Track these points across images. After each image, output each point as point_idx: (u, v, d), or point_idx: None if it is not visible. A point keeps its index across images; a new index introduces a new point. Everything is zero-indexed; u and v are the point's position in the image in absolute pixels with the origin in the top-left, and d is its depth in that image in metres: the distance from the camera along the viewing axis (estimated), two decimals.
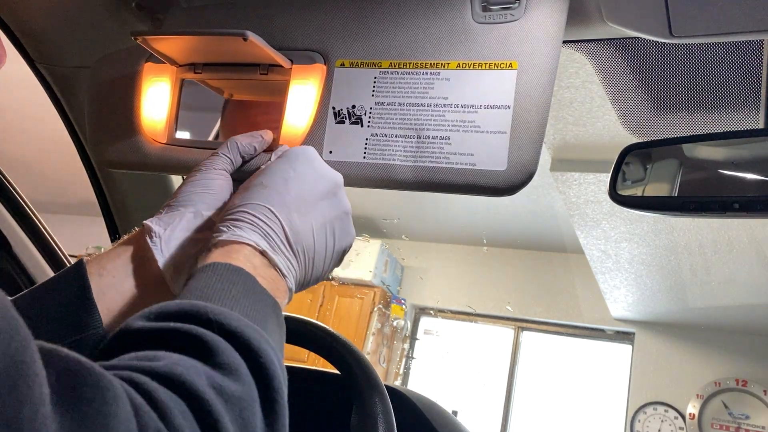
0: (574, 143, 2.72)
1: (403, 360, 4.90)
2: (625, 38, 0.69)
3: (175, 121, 0.74)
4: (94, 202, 1.10)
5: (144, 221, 0.57)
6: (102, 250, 0.59)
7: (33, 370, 0.26)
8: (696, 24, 0.61)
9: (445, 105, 0.64)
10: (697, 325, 4.25)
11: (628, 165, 0.77)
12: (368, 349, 4.59)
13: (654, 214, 0.78)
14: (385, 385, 0.76)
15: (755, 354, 4.13)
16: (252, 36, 0.63)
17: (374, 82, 0.67)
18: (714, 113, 1.02)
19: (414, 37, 0.67)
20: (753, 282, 3.32)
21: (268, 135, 0.66)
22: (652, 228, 3.05)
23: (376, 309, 4.68)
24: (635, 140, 0.80)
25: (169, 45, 0.70)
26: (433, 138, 0.64)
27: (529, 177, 0.60)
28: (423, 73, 0.66)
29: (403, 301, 4.86)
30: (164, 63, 0.74)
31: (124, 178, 1.06)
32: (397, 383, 4.09)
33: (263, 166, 0.58)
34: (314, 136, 0.67)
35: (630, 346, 4.54)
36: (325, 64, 0.70)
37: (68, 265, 0.55)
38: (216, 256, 0.49)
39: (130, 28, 0.79)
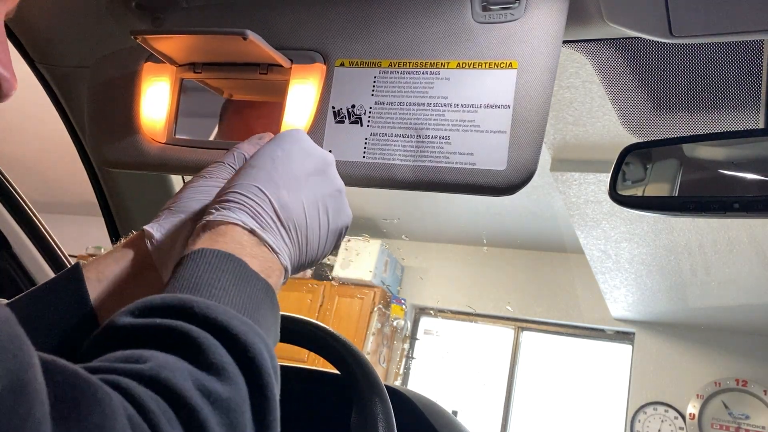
0: (574, 143, 2.72)
1: (403, 360, 4.90)
2: (625, 38, 0.69)
3: (175, 121, 0.74)
4: (94, 202, 1.10)
5: (144, 227, 0.57)
6: (102, 250, 0.59)
7: (35, 388, 0.26)
8: (696, 24, 0.61)
9: (444, 104, 0.64)
10: (697, 325, 4.25)
11: (628, 165, 0.77)
12: (368, 349, 4.59)
13: (654, 214, 0.78)
14: (385, 385, 0.76)
15: (755, 354, 4.13)
16: (252, 35, 0.63)
17: (374, 82, 0.67)
18: (714, 113, 1.02)
19: (414, 37, 0.67)
20: (753, 282, 3.32)
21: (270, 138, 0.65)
22: (652, 228, 3.05)
23: (376, 309, 4.68)
24: (635, 140, 0.80)
25: (168, 44, 0.70)
26: (432, 137, 0.64)
27: (528, 176, 0.60)
28: (423, 73, 0.66)
29: (403, 301, 4.86)
30: (164, 63, 0.74)
31: (124, 178, 1.06)
32: (397, 383, 4.09)
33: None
34: (314, 136, 0.67)
35: (630, 346, 4.54)
36: (324, 63, 0.70)
37: (68, 266, 0.55)
38: (204, 241, 0.47)
39: (130, 28, 0.79)
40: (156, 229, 0.56)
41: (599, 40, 0.74)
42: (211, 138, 0.81)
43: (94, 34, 0.89)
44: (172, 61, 0.73)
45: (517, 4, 0.64)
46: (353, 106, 0.67)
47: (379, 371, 4.71)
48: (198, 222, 0.57)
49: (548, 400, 4.60)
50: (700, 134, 0.91)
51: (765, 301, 3.51)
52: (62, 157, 4.05)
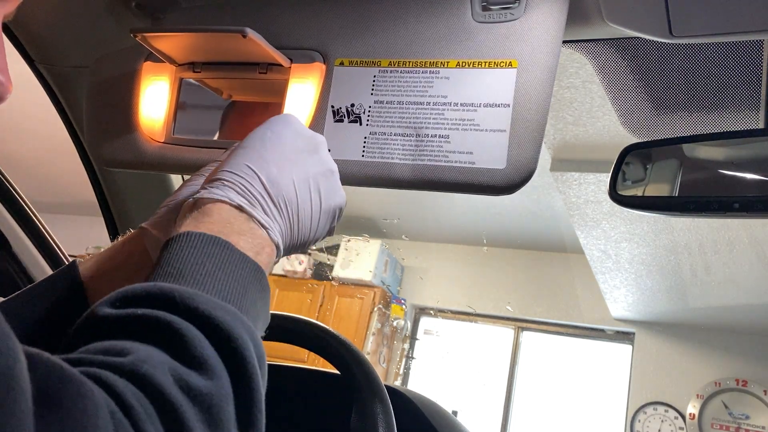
0: (574, 143, 2.72)
1: (403, 360, 4.90)
2: (625, 38, 0.69)
3: (174, 120, 0.74)
4: (94, 202, 1.10)
5: (142, 224, 0.57)
6: (102, 250, 0.59)
7: (20, 385, 0.26)
8: (696, 24, 0.61)
9: (444, 103, 0.64)
10: (697, 325, 4.25)
11: (628, 165, 0.77)
12: (368, 349, 4.59)
13: (654, 214, 0.78)
14: (385, 385, 0.76)
15: (755, 354, 4.13)
16: (251, 33, 0.63)
17: (373, 81, 0.67)
18: (714, 113, 1.02)
19: (413, 36, 0.67)
20: (753, 282, 3.31)
21: None
22: (652, 228, 3.05)
23: (376, 309, 4.68)
24: (635, 140, 0.80)
25: (168, 43, 0.70)
26: (432, 136, 0.64)
27: (528, 175, 0.60)
28: (422, 72, 0.66)
29: (403, 301, 4.86)
30: (163, 62, 0.74)
31: (124, 178, 1.06)
32: (397, 383, 4.09)
33: None
34: None
35: (630, 346, 4.53)
36: (324, 62, 0.70)
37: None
38: (189, 223, 0.46)
39: (129, 28, 0.79)
40: (154, 227, 0.56)
41: (599, 40, 0.74)
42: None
43: (94, 34, 0.89)
44: (171, 61, 0.73)
45: (516, 4, 0.64)
46: (352, 105, 0.67)
47: (379, 371, 4.71)
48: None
49: (548, 400, 4.59)
50: (700, 134, 0.91)
51: (765, 301, 3.51)
52: (62, 157, 4.05)
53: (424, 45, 0.67)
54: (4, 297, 0.54)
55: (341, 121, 0.67)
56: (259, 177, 0.50)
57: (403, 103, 0.66)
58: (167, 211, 0.58)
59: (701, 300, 3.81)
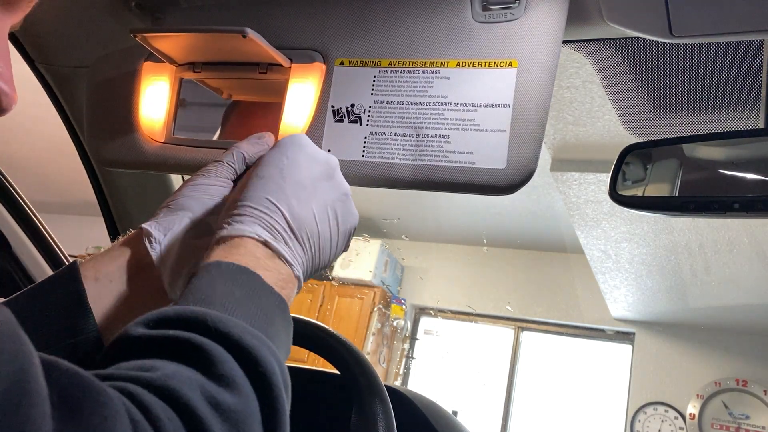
0: (574, 143, 2.72)
1: (403, 360, 4.90)
2: (625, 38, 0.69)
3: (174, 120, 0.74)
4: (94, 202, 1.10)
5: (142, 225, 0.57)
6: (102, 250, 0.59)
7: (36, 389, 0.26)
8: (696, 24, 0.61)
9: (444, 103, 0.64)
10: (697, 325, 4.25)
11: (628, 165, 0.77)
12: (368, 349, 4.59)
13: (654, 214, 0.78)
14: (385, 385, 0.76)
15: (755, 354, 4.13)
16: (251, 33, 0.63)
17: (373, 81, 0.67)
18: (714, 113, 1.02)
19: (413, 36, 0.67)
20: (753, 282, 3.32)
21: (270, 138, 0.65)
22: (652, 228, 3.05)
23: (376, 309, 4.68)
24: (635, 140, 0.80)
25: (168, 43, 0.70)
26: (432, 136, 0.64)
27: (528, 175, 0.60)
28: (422, 72, 0.66)
29: (403, 301, 4.86)
30: (163, 62, 0.74)
31: (124, 178, 1.06)
32: (397, 383, 4.09)
33: (259, 159, 0.58)
34: (313, 135, 0.67)
35: (630, 346, 4.54)
36: (324, 62, 0.70)
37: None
38: (219, 253, 0.48)
39: (129, 28, 0.79)
40: (154, 228, 0.56)
41: (599, 40, 0.74)
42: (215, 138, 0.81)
43: (94, 34, 0.89)
44: (171, 61, 0.73)
45: (517, 4, 0.64)
46: (353, 105, 0.67)
47: (379, 371, 4.71)
48: (201, 224, 0.56)
49: (548, 400, 4.60)
50: (700, 134, 0.91)
51: (765, 301, 3.51)
52: (62, 157, 4.05)
53: (424, 45, 0.67)
54: (5, 297, 0.54)
55: (341, 121, 0.67)
56: (281, 212, 0.51)
57: (403, 103, 0.66)
58: (167, 212, 0.58)
59: (701, 300, 3.81)
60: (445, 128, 0.63)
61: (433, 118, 0.64)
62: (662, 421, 4.23)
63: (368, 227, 4.64)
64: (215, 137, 0.81)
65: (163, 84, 0.74)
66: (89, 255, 0.58)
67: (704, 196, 0.73)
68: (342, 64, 0.69)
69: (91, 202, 1.10)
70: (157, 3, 0.80)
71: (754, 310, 3.72)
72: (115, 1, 0.82)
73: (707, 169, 0.77)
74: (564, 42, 0.65)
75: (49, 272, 1.14)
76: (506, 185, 0.60)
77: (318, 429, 0.88)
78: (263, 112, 0.75)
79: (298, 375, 0.91)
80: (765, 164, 0.72)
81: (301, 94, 0.69)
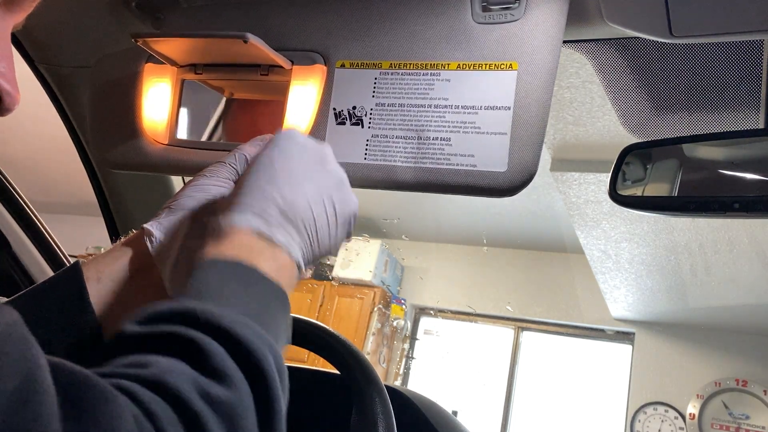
0: (574, 143, 2.72)
1: (403, 360, 4.90)
2: (625, 38, 0.69)
3: (176, 122, 0.74)
4: (94, 202, 1.10)
5: (144, 225, 0.57)
6: (102, 250, 0.59)
7: (44, 388, 0.27)
8: (696, 24, 0.61)
9: (445, 106, 0.64)
10: (697, 325, 4.25)
11: (628, 165, 0.77)
12: (368, 349, 4.59)
13: (654, 214, 0.78)
14: (385, 385, 0.76)
15: (755, 354, 4.13)
16: (252, 38, 0.63)
17: (375, 83, 0.67)
18: (714, 113, 1.02)
19: (414, 38, 0.67)
20: (753, 282, 3.32)
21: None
22: (652, 228, 3.05)
23: (376, 309, 4.68)
24: (635, 140, 0.80)
25: (169, 46, 0.70)
26: (433, 139, 0.64)
27: (529, 178, 0.60)
28: (423, 74, 0.66)
29: (403, 301, 4.86)
30: (165, 64, 0.74)
31: (124, 178, 1.06)
32: (397, 383, 4.09)
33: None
34: (315, 137, 0.67)
35: (630, 346, 4.53)
36: (325, 64, 0.70)
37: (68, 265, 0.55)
38: (211, 248, 0.47)
39: (130, 28, 0.79)
40: (155, 228, 0.56)
41: (599, 40, 0.74)
42: (205, 136, 0.81)
43: (94, 34, 0.89)
44: (173, 63, 0.73)
45: (517, 5, 0.64)
46: (354, 108, 0.67)
47: (379, 371, 4.71)
48: (198, 222, 0.57)
49: (548, 400, 4.60)
50: (700, 134, 0.91)
51: (765, 301, 3.51)
52: (62, 157, 4.05)
53: (424, 46, 0.67)
54: (5, 297, 0.54)
55: (343, 123, 0.67)
56: (274, 199, 0.51)
57: (404, 106, 0.66)
58: (168, 212, 0.58)
59: (701, 300, 3.81)
60: (447, 131, 0.63)
61: (435, 121, 0.64)
62: (662, 421, 4.23)
63: (368, 227, 4.63)
64: (204, 137, 0.81)
65: (164, 85, 0.74)
66: (90, 255, 0.58)
67: (704, 196, 0.73)
68: (343, 66, 0.69)
69: (91, 202, 1.10)
70: (157, 3, 0.80)
71: (754, 310, 3.72)
72: (115, 1, 0.82)
73: (707, 169, 0.77)
74: (564, 42, 0.65)
75: (50, 272, 1.14)
76: (507, 188, 0.61)
77: (318, 429, 0.88)
78: (266, 114, 0.75)
79: (298, 375, 0.91)
80: (765, 164, 0.72)
81: (303, 97, 0.69)
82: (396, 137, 0.65)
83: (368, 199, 4.18)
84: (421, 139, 0.64)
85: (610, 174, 0.76)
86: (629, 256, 3.43)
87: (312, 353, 0.80)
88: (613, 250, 3.41)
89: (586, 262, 3.67)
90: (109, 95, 0.78)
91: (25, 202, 1.12)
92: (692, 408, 4.17)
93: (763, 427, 4.02)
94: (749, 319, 3.95)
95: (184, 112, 0.75)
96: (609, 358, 4.61)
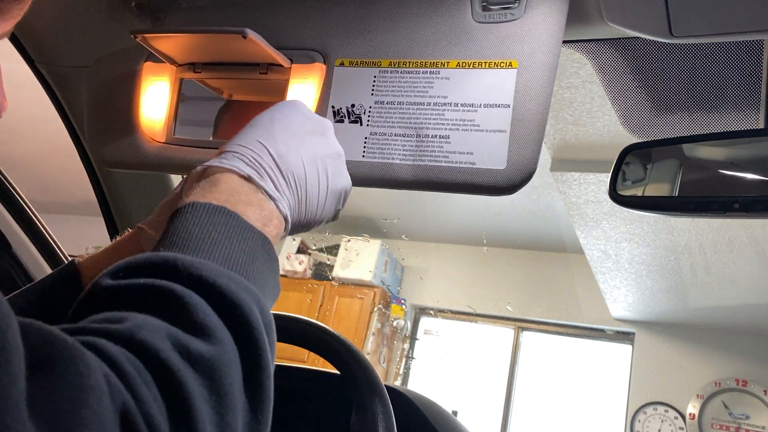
0: (574, 143, 2.72)
1: (403, 360, 4.90)
2: (625, 38, 0.69)
3: (175, 121, 0.74)
4: (94, 202, 1.10)
5: (139, 224, 0.57)
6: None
7: (12, 345, 0.26)
8: (696, 24, 0.61)
9: (444, 104, 0.64)
10: (697, 325, 4.25)
11: (628, 165, 0.77)
12: (368, 349, 4.59)
13: (654, 214, 0.78)
14: (385, 385, 0.76)
15: (755, 354, 4.13)
16: (252, 34, 0.63)
17: (374, 81, 0.67)
18: (714, 113, 1.02)
19: (414, 36, 0.67)
20: (753, 282, 3.32)
21: None
22: (652, 228, 3.05)
23: (376, 309, 4.68)
24: (635, 140, 0.80)
25: (168, 43, 0.70)
26: (432, 137, 0.64)
27: (528, 176, 0.60)
28: (422, 72, 0.66)
29: (403, 301, 4.86)
30: (164, 62, 0.74)
31: (124, 178, 1.06)
32: (397, 383, 4.09)
33: None
34: None
35: (630, 346, 4.53)
36: (324, 63, 0.70)
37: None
38: (196, 193, 0.46)
39: (130, 28, 0.79)
40: (151, 226, 0.56)
41: (599, 40, 0.74)
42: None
43: (94, 34, 0.89)
44: (172, 61, 0.73)
45: (517, 4, 0.64)
46: (353, 106, 0.67)
47: (379, 371, 4.71)
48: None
49: (548, 400, 4.59)
50: (700, 134, 0.91)
51: (765, 301, 3.51)
52: (62, 157, 4.05)
53: (424, 45, 0.67)
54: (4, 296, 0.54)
55: (342, 121, 0.67)
56: (268, 151, 0.50)
57: (403, 104, 0.66)
58: (163, 211, 0.58)
59: (701, 300, 3.81)
60: (446, 129, 0.63)
61: (434, 119, 0.64)
62: (662, 421, 4.23)
63: (368, 227, 4.63)
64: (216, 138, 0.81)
65: (163, 84, 0.74)
66: (89, 255, 0.58)
67: (704, 196, 0.73)
68: (342, 64, 0.69)
69: (91, 202, 1.10)
70: (157, 3, 0.80)
71: (754, 310, 3.72)
72: (115, 1, 0.82)
73: (707, 169, 0.77)
74: (564, 42, 0.65)
75: (49, 272, 1.14)
76: (506, 186, 0.61)
77: (318, 429, 0.88)
78: (262, 111, 0.75)
79: (298, 375, 0.92)
80: (765, 164, 0.72)
81: (302, 95, 0.69)
82: (395, 135, 0.65)
83: (368, 199, 4.19)
84: (419, 136, 0.64)
85: (610, 174, 0.76)
86: (629, 256, 3.43)
87: (312, 353, 0.80)
88: (613, 250, 3.41)
89: (586, 262, 3.67)
90: (107, 94, 0.78)
91: (25, 202, 1.12)
92: (692, 408, 4.17)
93: (763, 427, 4.02)
94: (749, 319, 3.95)
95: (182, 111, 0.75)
96: (609, 358, 4.61)
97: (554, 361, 4.72)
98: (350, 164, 0.65)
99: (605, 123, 2.51)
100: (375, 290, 4.69)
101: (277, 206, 0.48)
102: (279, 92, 0.70)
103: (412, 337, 5.00)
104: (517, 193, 0.61)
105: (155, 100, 0.74)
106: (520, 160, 0.60)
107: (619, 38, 0.70)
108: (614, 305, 4.25)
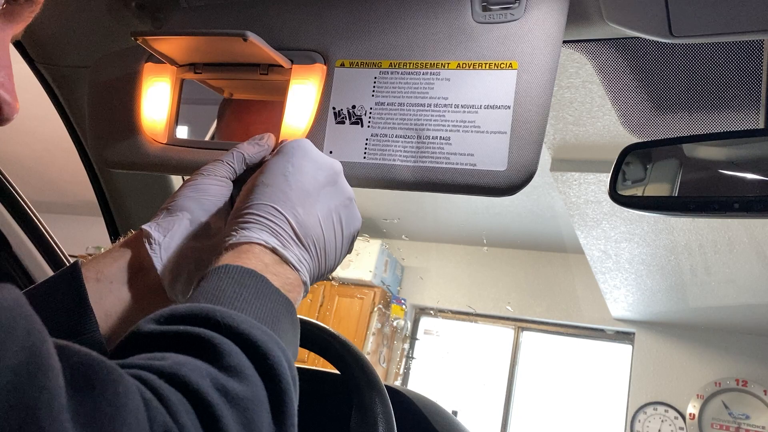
0: (574, 143, 2.72)
1: (403, 360, 4.90)
2: (625, 38, 0.69)
3: (175, 122, 0.74)
4: (94, 202, 1.10)
5: (142, 226, 0.57)
6: (102, 250, 0.59)
7: (49, 363, 0.27)
8: (696, 24, 0.61)
9: (445, 105, 0.64)
10: (697, 325, 4.25)
11: (628, 165, 0.77)
12: (368, 349, 4.59)
13: (654, 214, 0.78)
14: (385, 385, 0.76)
15: (755, 354, 4.14)
16: (252, 36, 0.63)
17: (374, 82, 0.67)
18: (714, 113, 1.02)
19: (414, 37, 0.67)
20: (753, 282, 3.32)
21: (271, 140, 0.65)
22: (652, 228, 3.05)
23: (376, 309, 4.68)
24: (635, 140, 0.80)
25: (169, 45, 0.70)
26: (433, 138, 0.64)
27: (529, 177, 0.60)
28: (423, 73, 0.66)
29: (403, 301, 4.86)
30: (164, 63, 0.74)
31: (124, 178, 1.06)
32: (397, 383, 4.09)
33: (263, 165, 0.58)
34: (314, 137, 0.67)
35: (630, 346, 4.54)
36: (325, 64, 0.70)
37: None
38: (227, 258, 0.49)
39: (130, 28, 0.79)
40: (153, 229, 0.57)
41: (599, 40, 0.74)
42: (208, 137, 0.81)
43: (94, 34, 0.89)
44: (172, 62, 0.73)
45: (517, 4, 0.64)
46: (354, 107, 0.67)
47: (379, 371, 4.71)
48: (197, 225, 0.58)
49: (548, 400, 4.60)
50: (700, 134, 0.91)
51: (765, 301, 3.51)
52: (62, 157, 4.05)
53: (424, 46, 0.67)
54: None
55: (342, 122, 0.67)
56: (287, 219, 0.52)
57: (404, 105, 0.66)
58: (167, 213, 0.58)
59: (701, 300, 3.82)
60: (446, 130, 0.63)
61: (434, 120, 0.64)
62: (662, 421, 4.23)
63: (368, 227, 4.64)
64: (208, 136, 0.81)
65: (164, 85, 0.74)
66: (90, 255, 0.58)
67: (704, 196, 0.73)
68: (343, 65, 0.69)
69: (91, 202, 1.10)
70: (157, 3, 0.80)
71: (754, 310, 3.72)
72: (115, 1, 0.82)
73: (707, 169, 0.77)
74: (564, 42, 0.65)
75: (50, 272, 1.14)
76: (507, 187, 0.61)
77: (318, 429, 0.88)
78: (264, 113, 0.75)
79: (298, 375, 0.92)
80: (765, 164, 0.72)
81: (302, 96, 0.69)
82: (395, 136, 0.65)
83: (368, 199, 4.19)
84: (420, 138, 0.64)
85: (610, 174, 0.76)
86: (629, 256, 3.43)
87: (312, 353, 0.80)
88: (613, 250, 3.41)
89: (586, 262, 3.67)
90: (108, 94, 0.78)
91: (25, 202, 1.12)
92: (692, 408, 4.17)
93: (763, 427, 4.02)
94: (749, 319, 3.95)
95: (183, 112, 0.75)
96: (609, 358, 4.62)
97: (554, 361, 4.73)
98: (351, 165, 0.65)
99: (605, 123, 2.51)
100: (375, 290, 4.70)
101: (299, 274, 0.52)
102: (280, 92, 0.70)
103: (412, 337, 5.00)
104: (517, 193, 0.61)
105: (156, 101, 0.74)
106: (521, 161, 0.60)
107: (619, 38, 0.70)
108: (614, 305, 4.25)
